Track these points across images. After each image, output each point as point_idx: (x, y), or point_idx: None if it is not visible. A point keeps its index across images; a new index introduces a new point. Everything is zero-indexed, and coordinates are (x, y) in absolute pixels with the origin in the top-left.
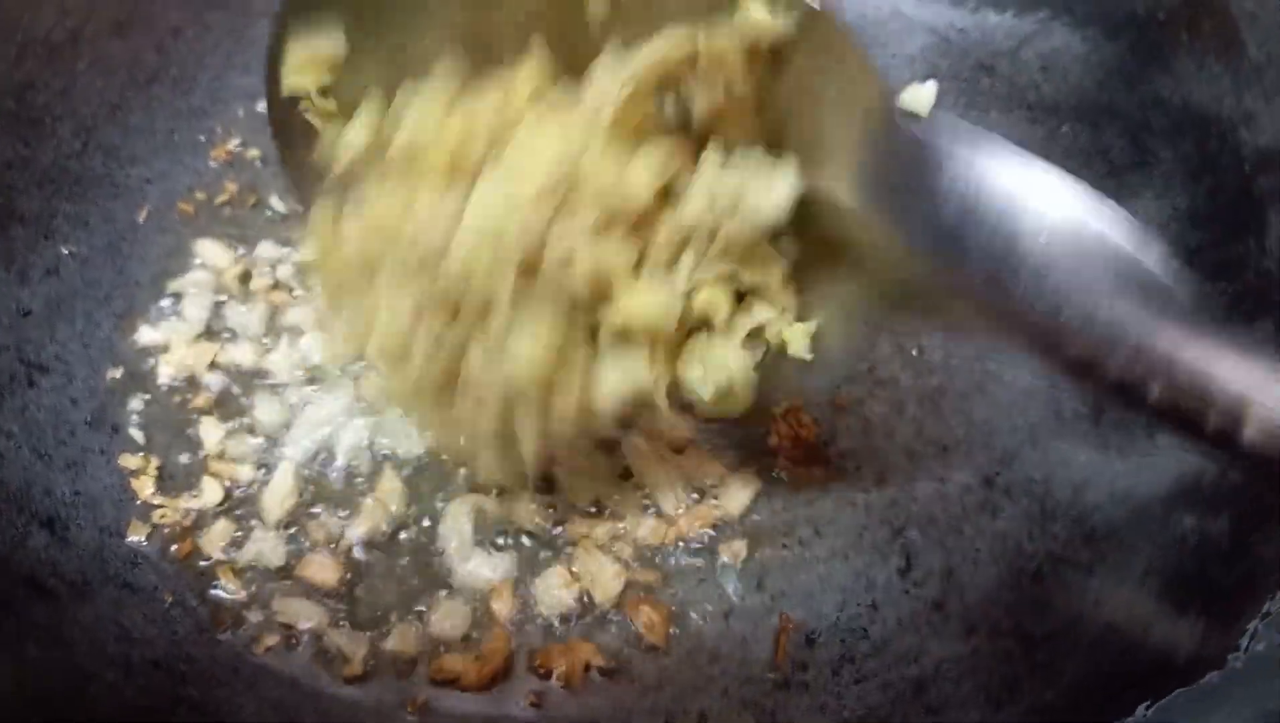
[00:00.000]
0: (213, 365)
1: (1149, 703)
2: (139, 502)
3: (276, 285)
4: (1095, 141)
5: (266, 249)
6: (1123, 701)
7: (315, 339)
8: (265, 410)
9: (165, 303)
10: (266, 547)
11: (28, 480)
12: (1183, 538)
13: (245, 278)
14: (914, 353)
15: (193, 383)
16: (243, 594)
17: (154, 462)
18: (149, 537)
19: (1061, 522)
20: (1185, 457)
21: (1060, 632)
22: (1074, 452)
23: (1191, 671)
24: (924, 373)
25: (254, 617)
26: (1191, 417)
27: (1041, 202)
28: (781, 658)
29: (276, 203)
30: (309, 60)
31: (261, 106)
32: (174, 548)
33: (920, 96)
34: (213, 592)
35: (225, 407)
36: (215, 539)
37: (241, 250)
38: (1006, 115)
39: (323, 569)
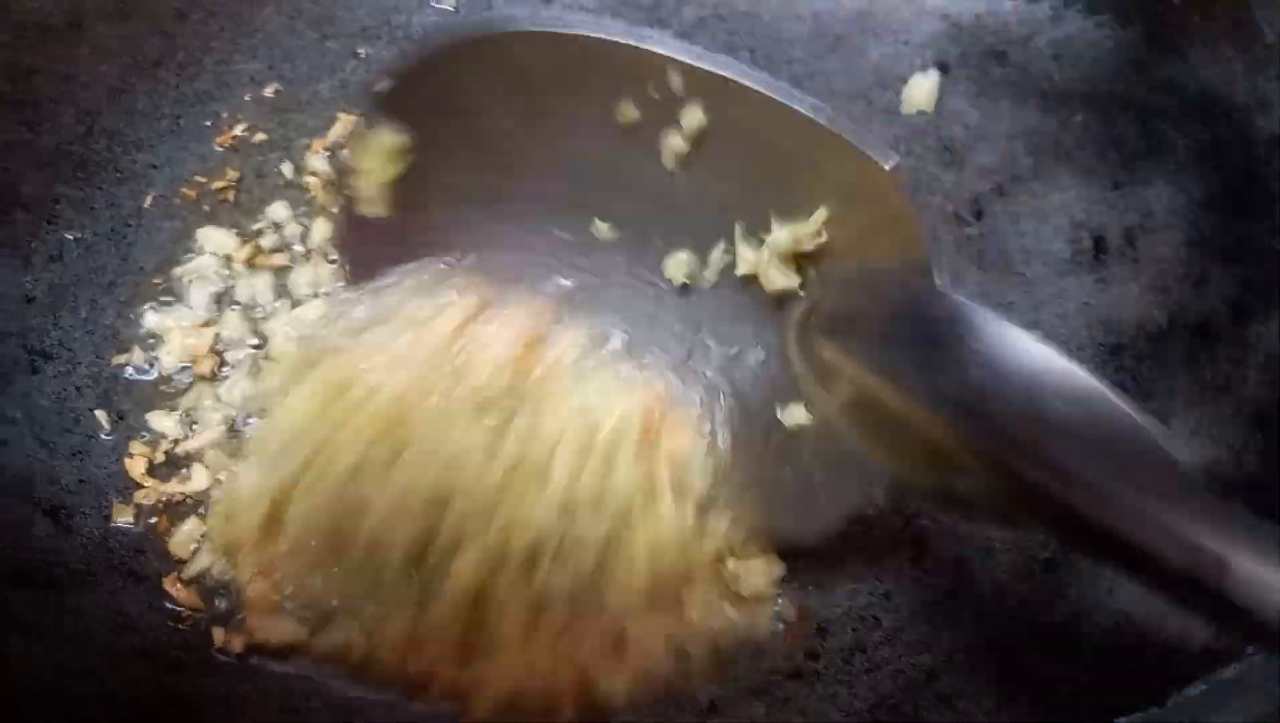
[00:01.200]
0: (216, 351)
1: (1165, 695)
2: (142, 489)
3: (279, 269)
4: (1108, 130)
5: (270, 239)
6: (1138, 692)
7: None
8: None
9: (169, 289)
10: None
11: (30, 469)
12: None
13: (250, 262)
14: None
15: (197, 369)
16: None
17: (160, 449)
18: (140, 522)
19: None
20: (1200, 446)
21: (1074, 622)
22: None
23: (1208, 662)
24: None
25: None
26: (1185, 577)
27: (1061, 374)
28: (793, 645)
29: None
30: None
31: (268, 91)
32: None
33: (924, 87)
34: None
35: (229, 393)
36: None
37: (246, 235)
38: (1018, 105)
39: None
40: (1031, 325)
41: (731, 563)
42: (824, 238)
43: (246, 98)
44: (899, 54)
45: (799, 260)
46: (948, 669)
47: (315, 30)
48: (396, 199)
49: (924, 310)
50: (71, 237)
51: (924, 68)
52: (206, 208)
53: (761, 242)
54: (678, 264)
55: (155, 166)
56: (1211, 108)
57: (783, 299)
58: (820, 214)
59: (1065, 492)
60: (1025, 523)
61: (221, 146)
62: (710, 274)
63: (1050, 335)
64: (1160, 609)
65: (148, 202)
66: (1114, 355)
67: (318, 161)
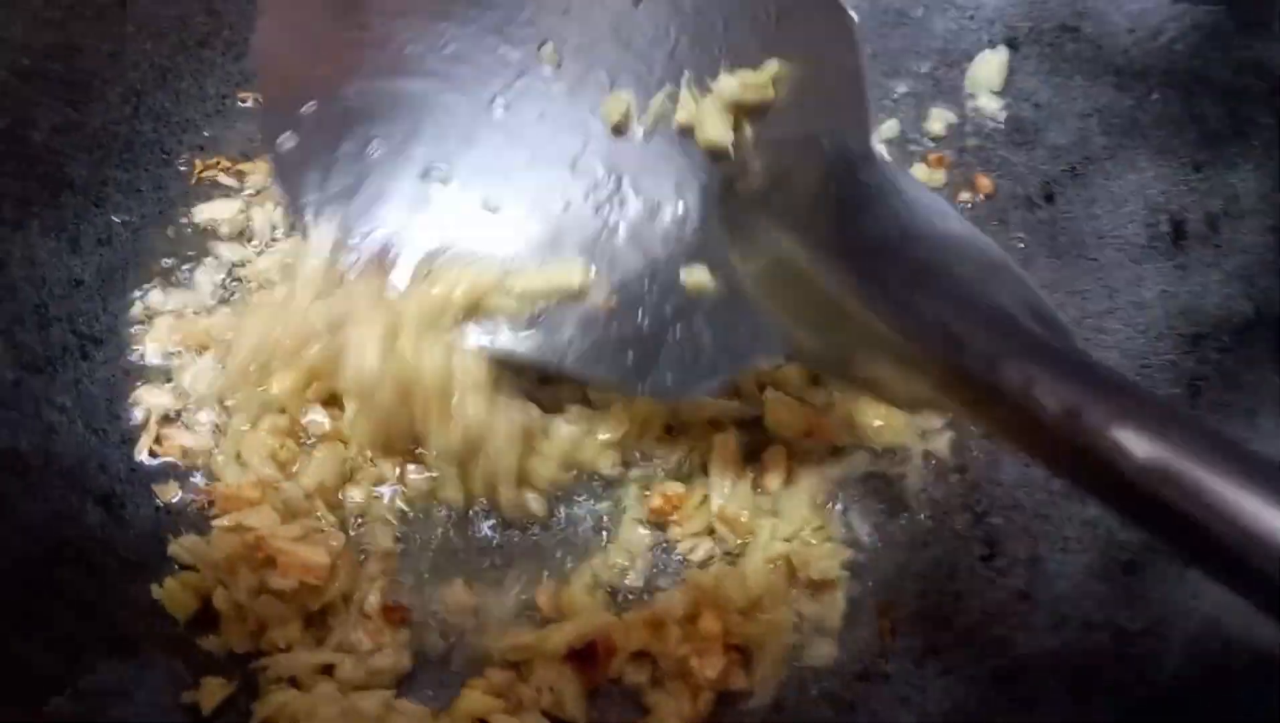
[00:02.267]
0: None
1: (1251, 703)
2: (191, 476)
3: None
4: (1188, 109)
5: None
6: (1223, 700)
7: None
8: None
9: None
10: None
11: (82, 456)
12: None
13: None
14: None
15: None
16: None
17: (211, 435)
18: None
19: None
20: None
21: (1156, 626)
22: None
23: None
24: None
25: None
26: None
27: (970, 240)
28: (888, 642)
29: None
30: None
31: None
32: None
33: (992, 64)
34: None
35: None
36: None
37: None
38: (1092, 81)
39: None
40: (1106, 313)
41: (796, 548)
42: (770, 92)
43: None
44: (964, 29)
45: (739, 115)
46: (1023, 673)
47: None
48: None
49: (856, 173)
50: (119, 220)
51: (992, 44)
52: (252, 190)
53: (707, 92)
54: (616, 103)
55: (202, 148)
56: None
57: (714, 155)
58: (772, 65)
59: (955, 353)
60: (916, 398)
61: None
62: (648, 120)
63: (1126, 324)
64: (1247, 614)
65: (194, 183)
66: (1194, 346)
67: None
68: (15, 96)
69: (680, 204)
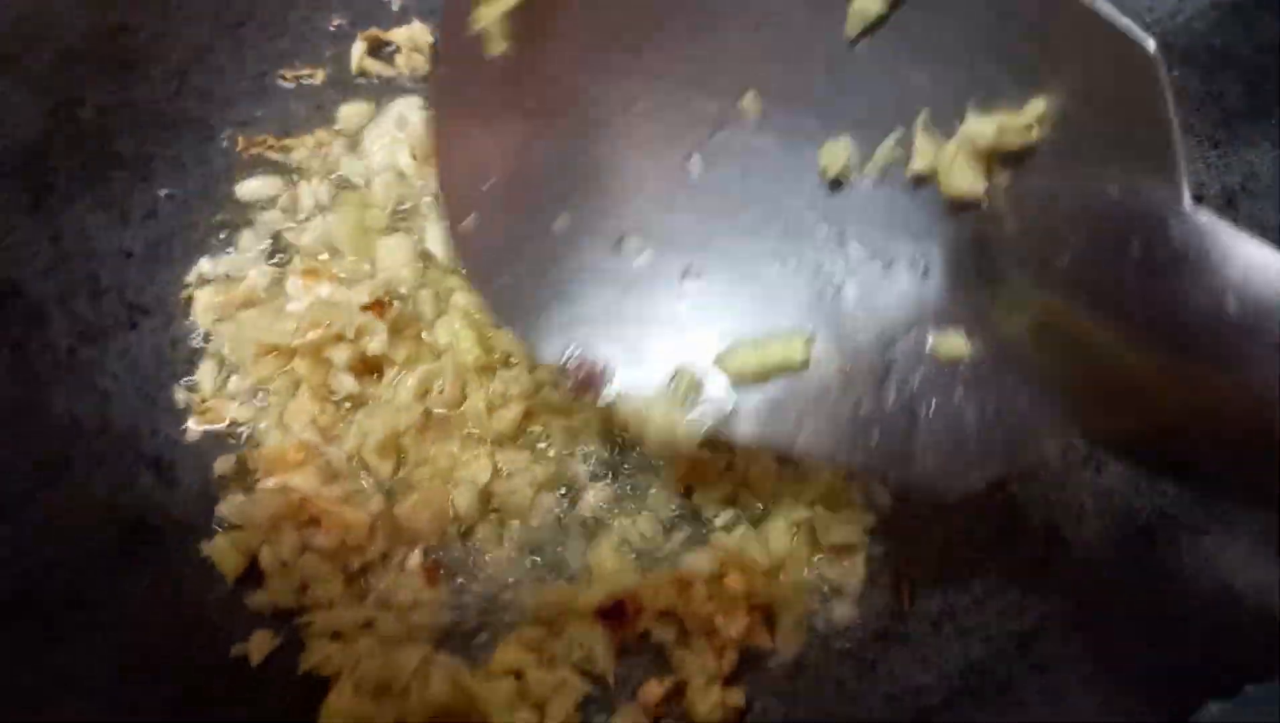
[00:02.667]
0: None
1: (1269, 671)
2: (237, 441)
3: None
4: (1208, 87)
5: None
6: (1240, 667)
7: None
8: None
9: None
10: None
11: (134, 422)
12: None
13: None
14: None
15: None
16: None
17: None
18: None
19: (1170, 478)
20: None
21: (1171, 593)
22: None
23: None
24: None
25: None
26: None
27: None
28: (908, 606)
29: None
30: None
31: (353, 49)
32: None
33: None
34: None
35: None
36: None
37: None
38: None
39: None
40: None
41: (818, 515)
42: (1034, 136)
43: (327, 53)
44: None
45: (992, 161)
46: (1040, 637)
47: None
48: (514, 32)
49: (1166, 232)
50: (164, 193)
51: None
52: (294, 162)
53: (948, 135)
54: (835, 152)
55: (244, 124)
56: None
57: (959, 208)
58: (1038, 104)
59: None
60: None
61: (303, 103)
62: (873, 169)
63: None
64: (1264, 583)
65: (235, 158)
66: None
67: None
68: (66, 76)
69: (921, 261)
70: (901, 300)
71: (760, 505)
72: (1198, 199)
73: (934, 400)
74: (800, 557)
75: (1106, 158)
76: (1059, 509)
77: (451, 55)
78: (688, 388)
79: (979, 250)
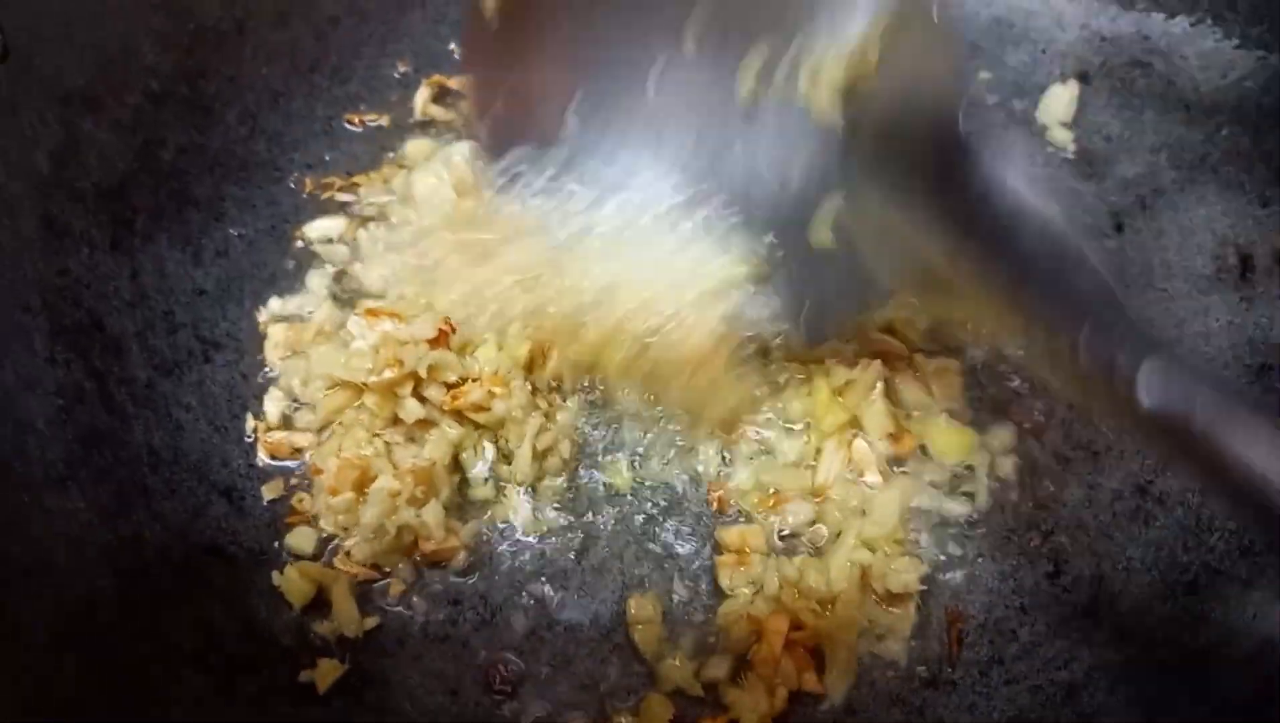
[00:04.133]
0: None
1: None
2: (300, 470)
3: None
4: (1258, 145)
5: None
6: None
7: None
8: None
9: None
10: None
11: (206, 452)
12: None
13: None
14: None
15: None
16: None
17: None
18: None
19: (1218, 534)
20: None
21: (1217, 646)
22: None
23: None
24: None
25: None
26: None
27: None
28: (956, 652)
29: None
30: None
31: (417, 94)
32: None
33: (1063, 97)
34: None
35: None
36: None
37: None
38: (1162, 115)
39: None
40: (1172, 343)
41: (877, 559)
42: (874, 57)
43: (394, 98)
44: (1037, 62)
45: (853, 85)
46: (1087, 687)
47: (459, 33)
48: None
49: (954, 126)
50: (236, 233)
51: (1063, 77)
52: (358, 204)
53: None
54: (748, 71)
55: (311, 166)
56: None
57: (828, 126)
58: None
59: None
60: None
61: (370, 147)
62: (774, 91)
63: (1193, 353)
64: None
65: (303, 199)
66: (1260, 376)
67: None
68: (148, 118)
69: (805, 172)
70: (795, 205)
71: (825, 533)
72: (1118, 228)
73: (812, 279)
74: (854, 597)
75: (918, 69)
76: (1106, 561)
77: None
78: None
79: (843, 159)
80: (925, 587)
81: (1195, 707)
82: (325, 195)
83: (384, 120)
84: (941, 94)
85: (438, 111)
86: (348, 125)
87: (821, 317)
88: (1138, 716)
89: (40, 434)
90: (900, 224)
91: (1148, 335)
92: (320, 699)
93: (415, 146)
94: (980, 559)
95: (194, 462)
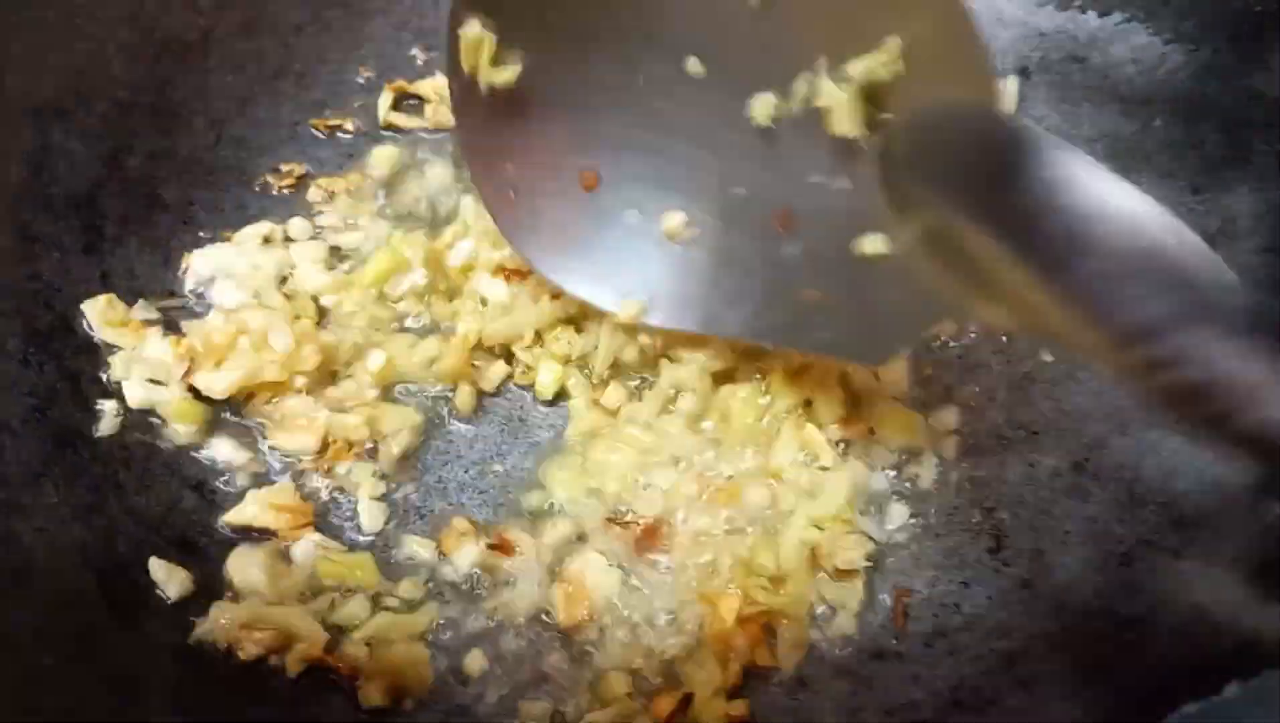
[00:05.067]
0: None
1: (1235, 683)
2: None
3: None
4: (1189, 134)
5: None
6: (1210, 680)
7: None
8: None
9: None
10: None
11: (177, 447)
12: (1272, 525)
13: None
14: (1003, 339)
15: None
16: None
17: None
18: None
19: (1151, 507)
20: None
21: (1149, 614)
22: (1163, 439)
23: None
24: (1014, 360)
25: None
26: (1205, 402)
27: (1112, 205)
28: (901, 625)
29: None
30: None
31: (379, 101)
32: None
33: (1004, 92)
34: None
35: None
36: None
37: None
38: (1098, 108)
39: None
40: None
41: (826, 537)
42: (900, 67)
43: (357, 104)
44: None
45: (877, 101)
46: (1025, 655)
47: (421, 40)
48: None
49: (990, 137)
50: (205, 235)
51: (1004, 73)
52: (325, 208)
53: (839, 80)
54: (763, 104)
55: (276, 170)
56: None
57: (852, 144)
58: (894, 41)
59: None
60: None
61: (336, 151)
62: (795, 109)
63: None
64: (1234, 603)
65: (270, 202)
66: None
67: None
68: (116, 126)
69: (843, 179)
70: (830, 212)
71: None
72: None
73: (859, 293)
74: (804, 575)
75: (947, 78)
76: (1044, 536)
77: (461, 97)
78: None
79: (883, 166)
80: (872, 564)
81: (1129, 671)
82: (291, 195)
83: (348, 125)
84: (979, 104)
85: (399, 118)
86: (314, 131)
87: (881, 334)
88: (1073, 680)
89: (15, 434)
90: (953, 237)
91: None
92: (295, 687)
93: (381, 153)
94: (925, 536)
95: (165, 457)
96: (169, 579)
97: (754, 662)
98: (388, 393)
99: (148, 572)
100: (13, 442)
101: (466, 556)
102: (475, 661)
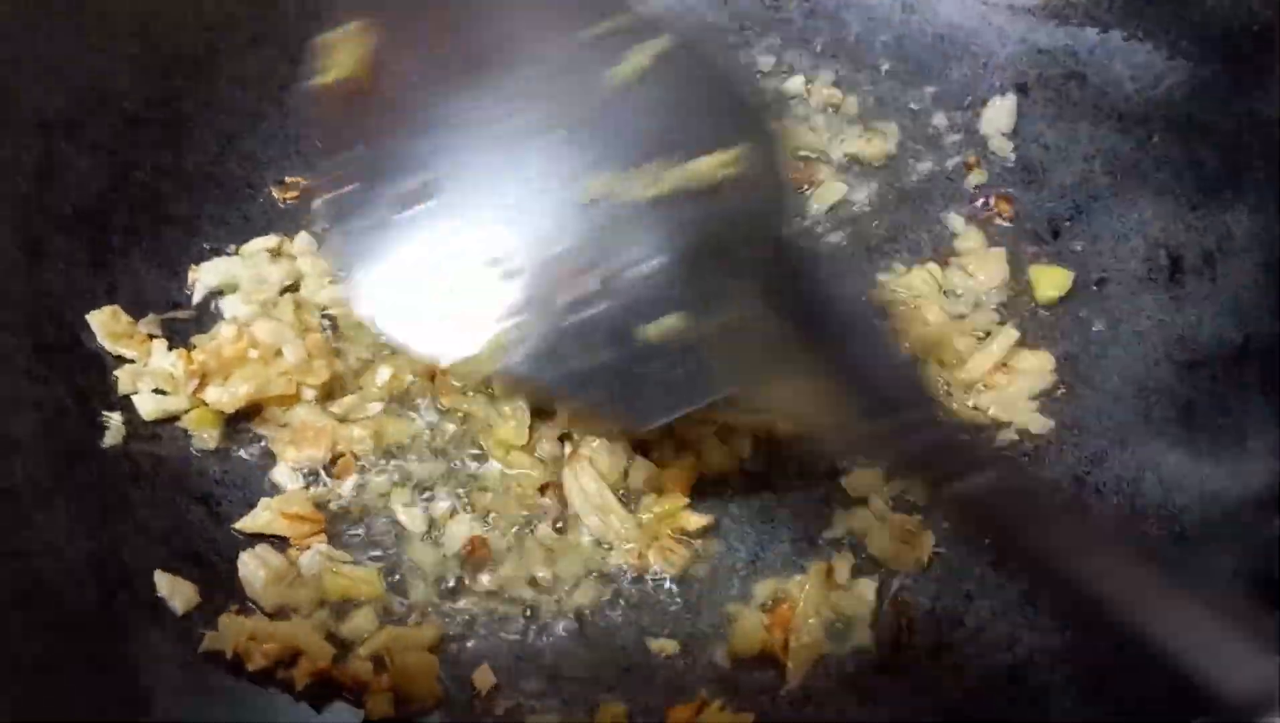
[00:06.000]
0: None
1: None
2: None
3: None
4: (1187, 154)
5: None
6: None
7: None
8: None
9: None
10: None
11: (184, 463)
12: (1272, 539)
13: None
14: None
15: None
16: None
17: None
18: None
19: (1151, 521)
20: (1275, 461)
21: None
22: (1163, 454)
23: None
24: None
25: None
26: None
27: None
28: (907, 639)
29: None
30: None
31: None
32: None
33: (1002, 108)
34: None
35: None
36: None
37: None
38: (1097, 125)
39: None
40: (1108, 342)
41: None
42: (733, 171)
43: None
44: (979, 76)
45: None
46: (1029, 669)
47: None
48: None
49: (785, 247)
50: (209, 248)
51: (1003, 90)
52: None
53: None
54: (597, 183)
55: (281, 183)
56: None
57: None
58: (729, 154)
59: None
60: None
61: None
62: (631, 190)
63: (1126, 351)
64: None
65: (277, 215)
66: (1190, 372)
67: None
68: (123, 139)
69: (652, 262)
70: (635, 288)
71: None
72: (1054, 233)
73: (648, 365)
74: (816, 592)
75: (756, 190)
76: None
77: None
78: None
79: (694, 254)
80: (875, 577)
81: (1131, 686)
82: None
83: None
84: (773, 211)
85: None
86: (319, 145)
87: (654, 404)
88: (1076, 694)
89: (25, 450)
90: (739, 327)
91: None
92: (303, 697)
93: None
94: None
95: (171, 472)
96: (175, 593)
97: (769, 648)
98: (398, 405)
99: (150, 586)
100: (22, 458)
101: (478, 568)
102: (484, 673)
